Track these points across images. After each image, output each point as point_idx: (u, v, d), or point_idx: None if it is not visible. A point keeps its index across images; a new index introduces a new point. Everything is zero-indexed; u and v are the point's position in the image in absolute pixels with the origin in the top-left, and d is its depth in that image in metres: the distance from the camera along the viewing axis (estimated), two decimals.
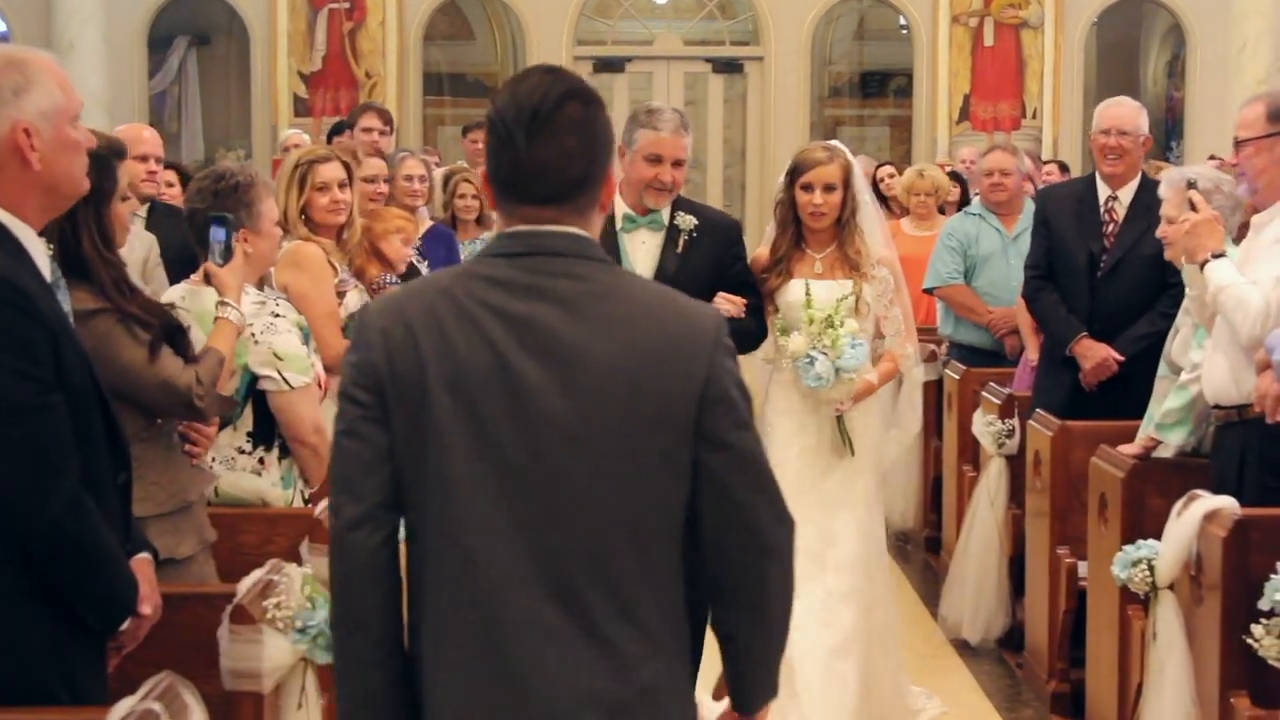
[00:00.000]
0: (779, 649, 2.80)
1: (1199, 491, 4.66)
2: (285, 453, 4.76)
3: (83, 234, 3.70)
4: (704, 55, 17.73)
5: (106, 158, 3.70)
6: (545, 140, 2.61)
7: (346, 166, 5.70)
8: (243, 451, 4.71)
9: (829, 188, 5.51)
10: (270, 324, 4.64)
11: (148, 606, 3.20)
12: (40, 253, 3.10)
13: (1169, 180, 5.58)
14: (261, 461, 4.70)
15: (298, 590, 3.73)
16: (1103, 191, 6.67)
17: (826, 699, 5.31)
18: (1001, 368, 7.79)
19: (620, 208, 5.47)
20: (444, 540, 2.58)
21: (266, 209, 4.66)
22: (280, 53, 16.58)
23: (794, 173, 5.58)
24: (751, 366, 5.50)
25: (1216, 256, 4.97)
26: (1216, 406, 5.08)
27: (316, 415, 4.78)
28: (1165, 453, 5.52)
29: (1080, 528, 6.11)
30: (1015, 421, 6.92)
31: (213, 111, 17.70)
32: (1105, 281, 6.59)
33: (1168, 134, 19.61)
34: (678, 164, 5.35)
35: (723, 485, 2.63)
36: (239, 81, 17.27)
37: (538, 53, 16.99)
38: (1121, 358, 6.47)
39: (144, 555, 3.29)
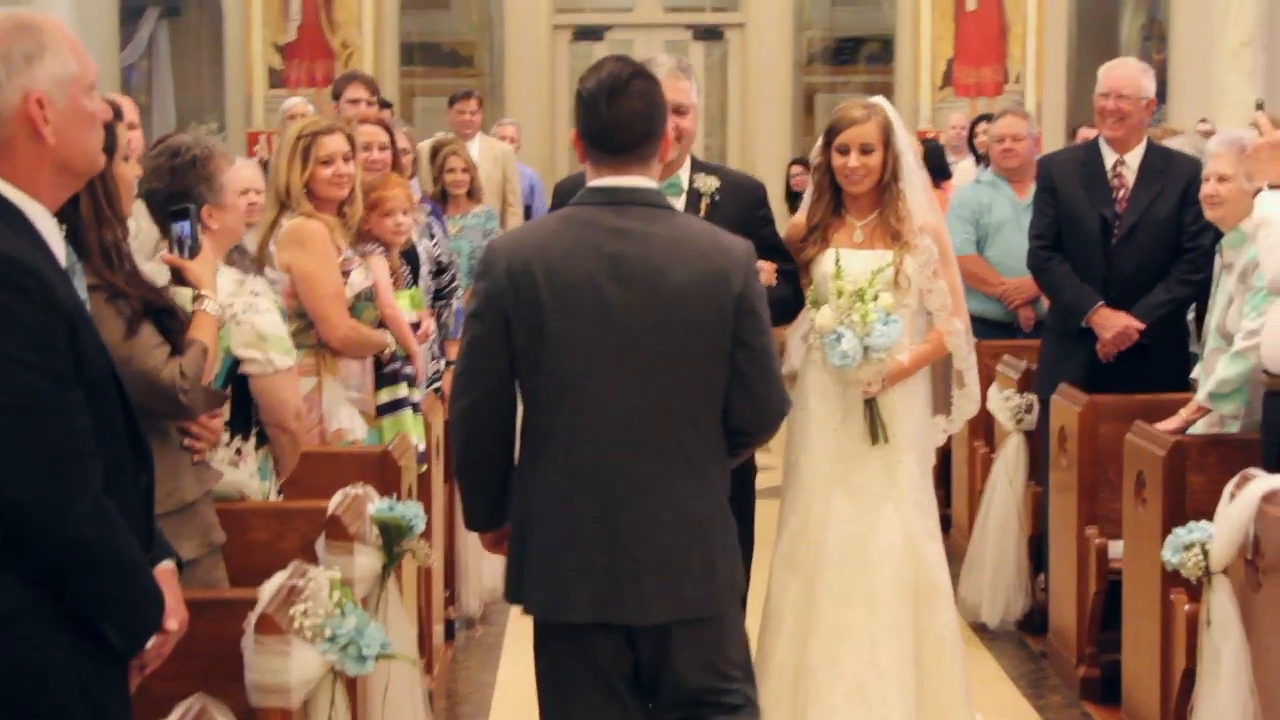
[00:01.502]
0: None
1: (1253, 471, 4.47)
2: (262, 441, 4.47)
3: (81, 198, 3.42)
4: (684, 22, 17.44)
5: None
6: (620, 105, 3.65)
7: (350, 138, 5.46)
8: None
9: (866, 149, 5.11)
10: (251, 303, 4.35)
11: (174, 621, 2.95)
12: (55, 235, 2.85)
13: (1221, 138, 5.38)
14: (239, 452, 4.40)
15: (325, 596, 3.50)
16: (1109, 156, 6.47)
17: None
18: (1015, 339, 7.59)
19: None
20: (556, 409, 3.65)
21: (228, 181, 4.36)
22: (254, 23, 16.22)
23: (829, 133, 5.18)
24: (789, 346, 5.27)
25: (1273, 188, 4.77)
26: (1267, 373, 4.88)
27: (298, 400, 4.53)
28: (1202, 427, 5.34)
29: (1109, 506, 5.93)
30: (1034, 396, 6.73)
31: (184, 84, 17.34)
32: (1120, 247, 6.39)
33: None
34: (679, 110, 4.80)
35: (745, 377, 3.70)
36: (211, 53, 16.91)
37: (516, 21, 16.70)
38: (1142, 326, 6.27)
39: (167, 564, 3.04)
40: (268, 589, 3.52)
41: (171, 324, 3.81)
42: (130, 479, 2.89)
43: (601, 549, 3.62)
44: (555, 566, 3.66)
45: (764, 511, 5.13)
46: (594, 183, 3.72)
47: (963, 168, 12.14)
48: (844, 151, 5.15)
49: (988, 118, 11.21)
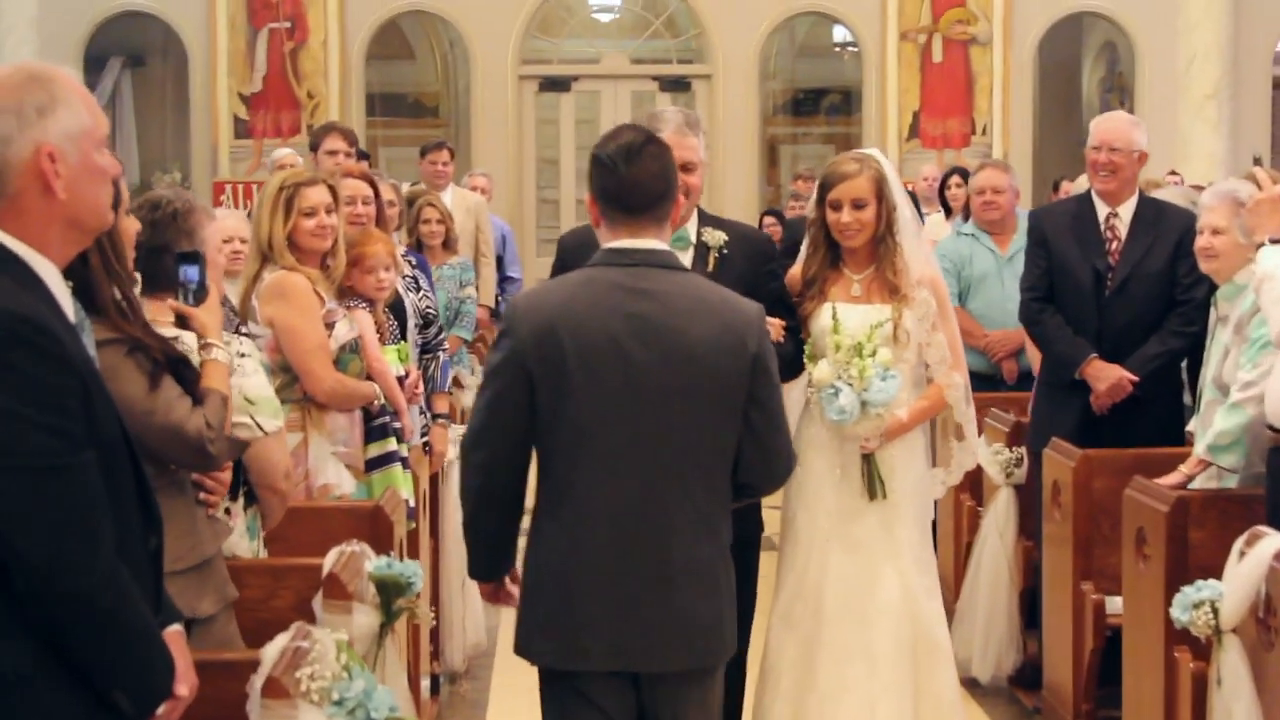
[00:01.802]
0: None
1: (1263, 529, 4.40)
2: (250, 501, 4.38)
3: (91, 253, 3.33)
4: (651, 74, 17.45)
5: None
6: (637, 168, 3.81)
7: (332, 190, 5.37)
8: None
9: (859, 204, 5.03)
10: (238, 365, 4.24)
11: (184, 687, 2.84)
12: (63, 291, 2.76)
13: (1216, 191, 5.36)
14: (228, 512, 4.28)
15: (332, 659, 3.39)
16: (1101, 209, 6.44)
17: None
18: (999, 391, 7.54)
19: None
20: (577, 465, 3.72)
21: (209, 236, 4.27)
22: (219, 73, 16.17)
23: (822, 188, 5.13)
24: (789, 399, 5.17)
25: (1275, 242, 4.74)
26: (1271, 428, 4.84)
27: (287, 460, 4.46)
28: (1199, 482, 5.29)
29: (1104, 561, 5.87)
30: (1023, 449, 6.68)
31: (148, 134, 17.26)
32: (1113, 300, 6.34)
33: None
34: (687, 168, 4.72)
35: (758, 433, 3.81)
36: (175, 103, 16.84)
37: (481, 72, 16.68)
38: (1136, 378, 6.22)
39: (176, 627, 2.94)
40: (271, 651, 3.41)
41: (187, 374, 3.72)
42: (140, 541, 2.79)
43: (618, 598, 3.71)
44: (573, 615, 3.74)
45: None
46: (611, 244, 3.83)
47: (933, 220, 12.10)
48: (836, 207, 5.08)
49: (962, 171, 11.19)
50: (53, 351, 2.57)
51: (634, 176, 3.79)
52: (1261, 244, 4.83)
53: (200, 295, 4.01)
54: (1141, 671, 5.19)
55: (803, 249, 5.25)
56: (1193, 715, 4.78)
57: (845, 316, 5.01)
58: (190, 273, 4.01)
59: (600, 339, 3.69)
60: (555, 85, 17.26)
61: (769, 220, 13.28)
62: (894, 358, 5.00)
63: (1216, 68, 16.73)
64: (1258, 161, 5.03)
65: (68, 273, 2.85)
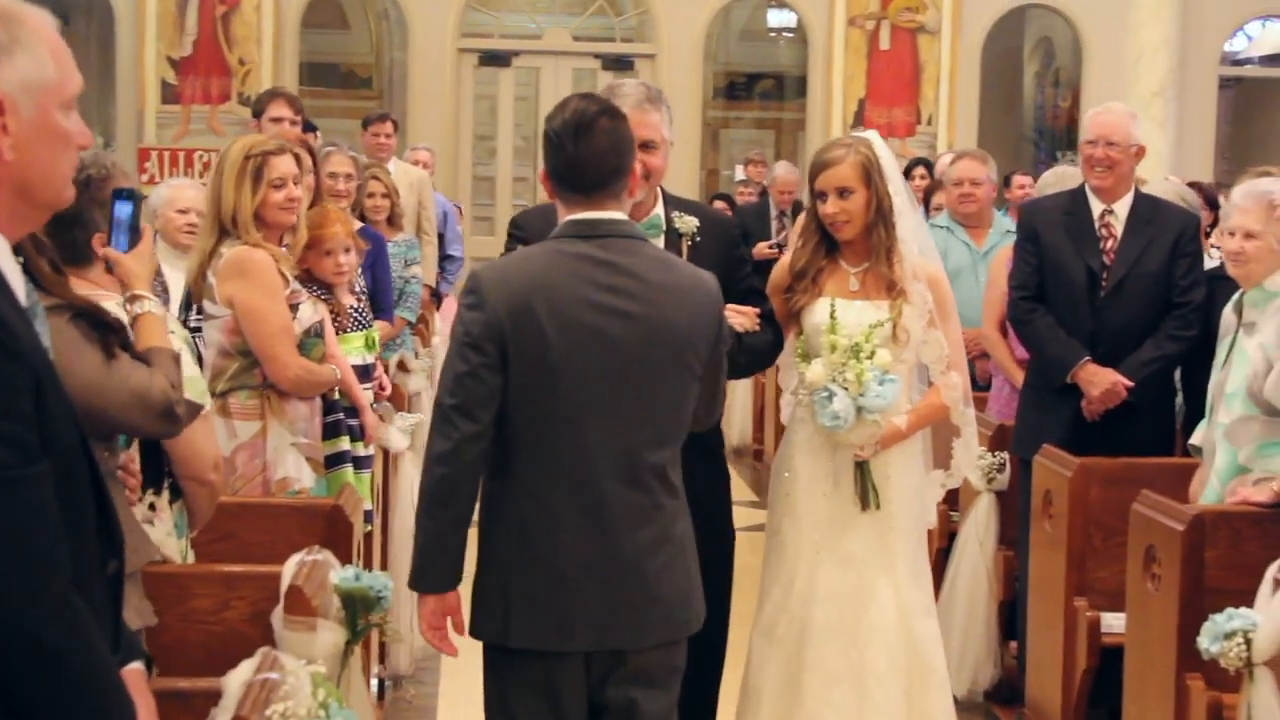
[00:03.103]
0: None
1: None
2: (176, 495, 3.89)
3: None
4: (594, 51, 17.06)
5: None
6: (587, 144, 3.62)
7: (298, 159, 4.95)
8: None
9: (844, 192, 4.69)
10: None
11: None
12: (13, 269, 2.32)
13: (1249, 192, 5.04)
14: (152, 508, 3.81)
15: (307, 694, 2.99)
16: (1095, 206, 6.09)
17: None
18: (974, 392, 7.21)
19: None
20: (555, 440, 3.58)
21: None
22: (148, 35, 15.63)
23: (810, 177, 4.78)
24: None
25: None
26: None
27: (216, 448, 3.97)
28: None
29: (1095, 575, 5.57)
30: (1005, 454, 6.36)
31: None
32: (1108, 301, 6.01)
33: (1053, 144, 19.39)
34: (647, 146, 4.36)
35: (707, 389, 3.79)
36: (100, 66, 16.23)
37: (420, 44, 16.23)
38: (1130, 383, 5.90)
39: (137, 666, 2.53)
40: (234, 682, 3.02)
41: (125, 341, 3.30)
42: (97, 565, 2.36)
43: (596, 577, 3.61)
44: (550, 598, 3.60)
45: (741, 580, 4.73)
46: (574, 216, 3.69)
47: None
48: (822, 197, 4.74)
49: (925, 163, 10.87)
50: (3, 342, 2.15)
51: (582, 154, 3.63)
52: None
53: (134, 237, 3.56)
54: (1148, 697, 4.87)
55: (794, 238, 4.90)
56: None
57: (843, 314, 4.66)
58: (123, 210, 3.55)
59: (576, 313, 3.57)
60: (495, 60, 16.85)
61: (720, 205, 12.93)
62: (893, 359, 4.65)
63: (1164, 65, 16.57)
64: None
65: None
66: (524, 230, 4.46)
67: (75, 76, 2.36)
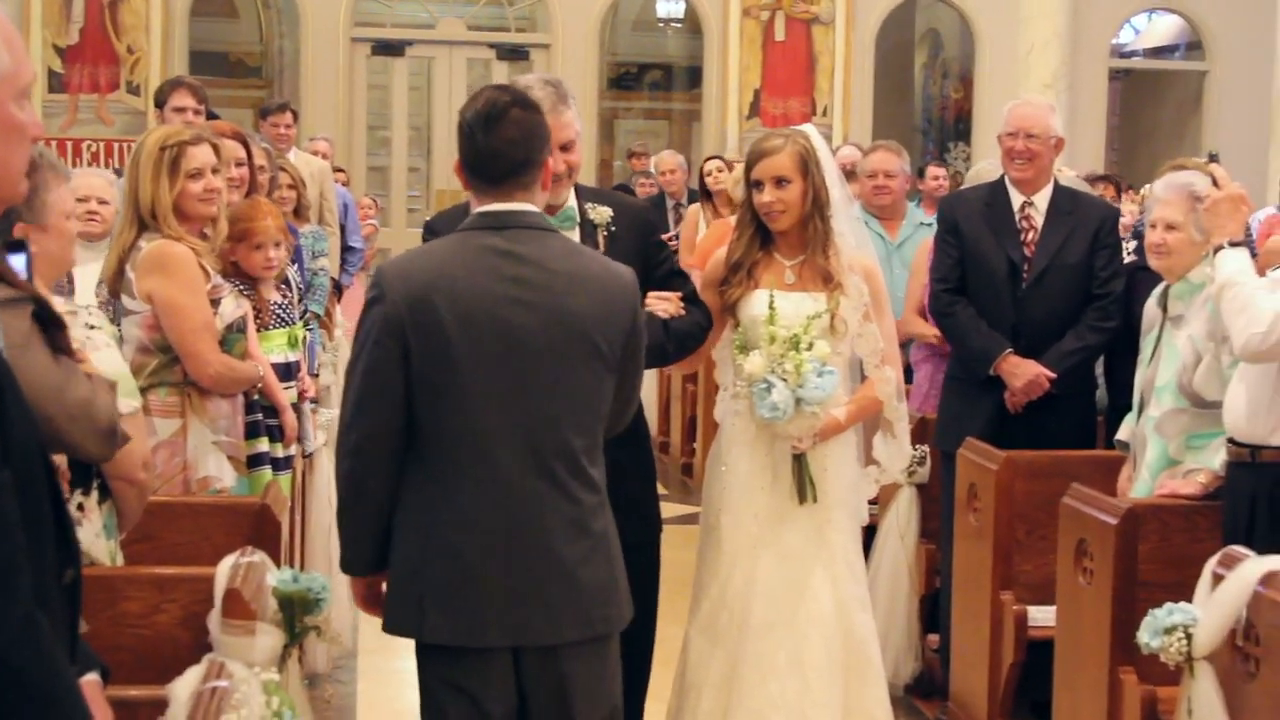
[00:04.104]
0: None
1: (1239, 550, 4.09)
2: (104, 495, 3.75)
3: None
4: (488, 41, 16.93)
5: None
6: (496, 134, 3.63)
7: (215, 149, 4.83)
8: None
9: (780, 181, 4.65)
10: (87, 339, 3.66)
11: None
12: None
13: (1170, 184, 5.05)
14: (80, 508, 3.67)
15: (260, 702, 2.89)
16: (1016, 198, 6.09)
17: None
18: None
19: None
20: (460, 433, 3.55)
21: (55, 200, 3.68)
22: (33, 22, 15.31)
23: (746, 166, 4.75)
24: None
25: (1234, 245, 4.44)
26: (1231, 441, 4.55)
27: (146, 447, 3.89)
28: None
29: (1021, 568, 5.57)
30: (926, 447, 6.35)
31: None
32: (1030, 292, 6.00)
33: (942, 135, 19.53)
34: (566, 147, 4.33)
35: (622, 387, 3.74)
36: None
37: (311, 32, 16.06)
38: (1053, 375, 5.91)
39: (93, 677, 2.43)
40: (180, 690, 2.92)
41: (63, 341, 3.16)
42: (55, 577, 2.26)
43: (509, 571, 3.57)
44: (467, 590, 3.57)
45: (675, 573, 4.67)
46: (482, 208, 3.68)
47: None
48: (759, 186, 4.71)
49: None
50: None
51: (491, 145, 3.63)
52: (1220, 246, 4.53)
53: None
54: (1079, 691, 4.88)
55: (732, 231, 4.86)
56: None
57: (781, 305, 4.61)
58: (19, 262, 3.40)
59: (478, 305, 3.55)
60: (388, 49, 16.70)
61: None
62: (830, 350, 4.61)
63: (1055, 57, 16.75)
64: (1214, 158, 4.71)
65: None
66: (439, 233, 4.37)
67: (29, 66, 2.24)
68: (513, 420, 3.55)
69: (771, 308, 4.60)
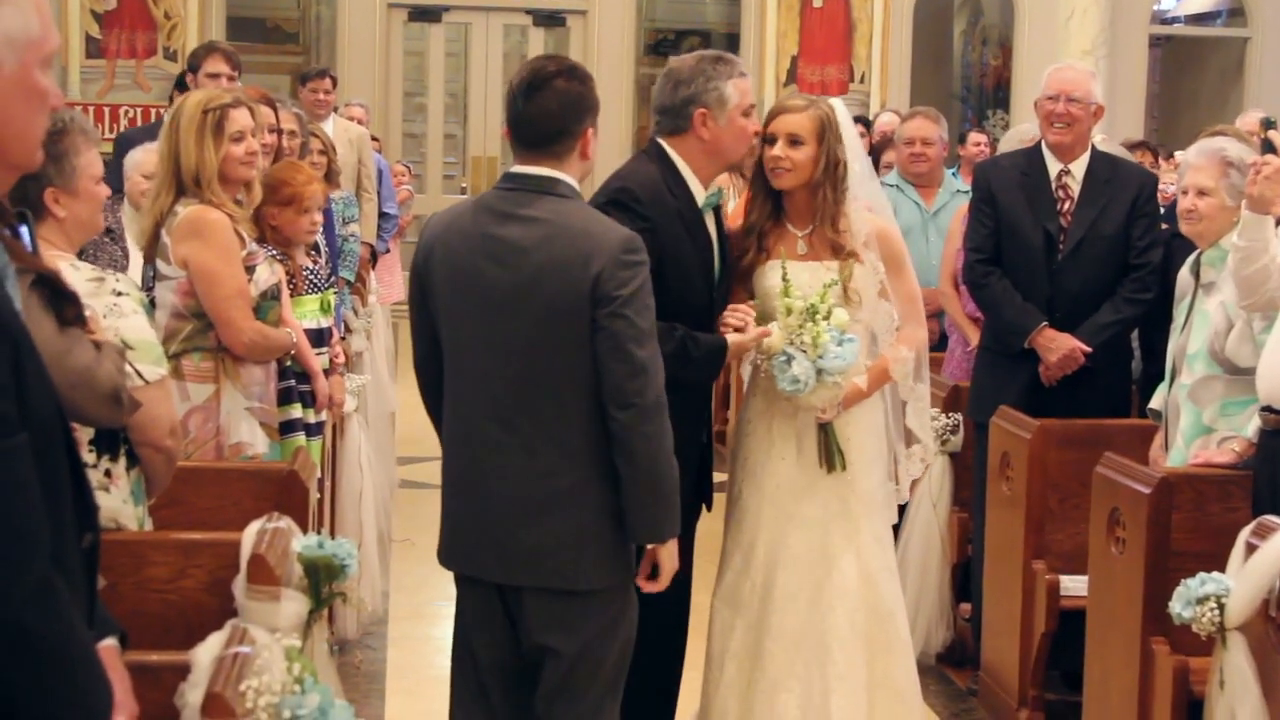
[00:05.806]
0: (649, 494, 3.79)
1: (1273, 519, 4.06)
2: (133, 461, 3.76)
3: None
4: (525, 6, 16.86)
5: None
6: (534, 104, 3.82)
7: (252, 112, 4.81)
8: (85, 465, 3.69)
9: (795, 140, 4.60)
10: (113, 305, 3.66)
11: (123, 716, 2.33)
12: None
13: (1202, 149, 4.99)
14: (108, 474, 3.70)
15: (282, 668, 2.89)
16: (1053, 165, 6.01)
17: None
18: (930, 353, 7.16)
19: (692, 184, 4.56)
20: (451, 372, 3.88)
21: (85, 164, 3.69)
22: None
23: (765, 124, 4.69)
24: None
25: None
26: (1266, 409, 4.50)
27: (173, 413, 3.88)
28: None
29: (1053, 537, 5.54)
30: (960, 415, 6.31)
31: None
32: (1066, 264, 5.92)
33: (981, 102, 19.40)
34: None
35: (600, 360, 3.73)
36: None
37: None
38: (1089, 349, 5.85)
39: (110, 642, 2.42)
40: (203, 656, 2.91)
41: (74, 313, 3.16)
42: (74, 541, 2.25)
43: (471, 508, 3.87)
44: (446, 521, 3.96)
45: (705, 544, 4.66)
46: (507, 171, 3.93)
47: None
48: (772, 141, 4.66)
49: (864, 120, 10.78)
50: None
51: (528, 113, 3.83)
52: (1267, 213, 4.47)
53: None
54: (1110, 661, 4.85)
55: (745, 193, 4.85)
56: (1173, 711, 4.46)
57: (794, 275, 4.57)
58: (25, 236, 3.40)
59: (462, 259, 3.82)
60: (425, 15, 16.66)
61: None
62: (850, 318, 4.57)
63: (1095, 23, 16.59)
64: (1270, 124, 4.61)
65: None
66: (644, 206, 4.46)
67: (55, 33, 2.22)
68: (481, 368, 3.81)
69: (785, 279, 4.54)
